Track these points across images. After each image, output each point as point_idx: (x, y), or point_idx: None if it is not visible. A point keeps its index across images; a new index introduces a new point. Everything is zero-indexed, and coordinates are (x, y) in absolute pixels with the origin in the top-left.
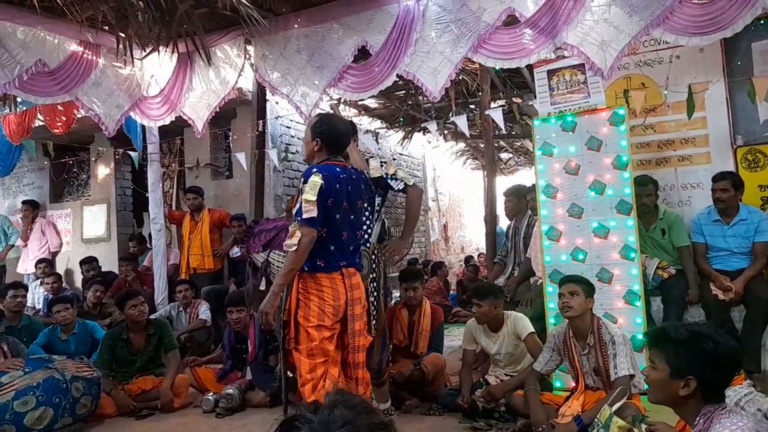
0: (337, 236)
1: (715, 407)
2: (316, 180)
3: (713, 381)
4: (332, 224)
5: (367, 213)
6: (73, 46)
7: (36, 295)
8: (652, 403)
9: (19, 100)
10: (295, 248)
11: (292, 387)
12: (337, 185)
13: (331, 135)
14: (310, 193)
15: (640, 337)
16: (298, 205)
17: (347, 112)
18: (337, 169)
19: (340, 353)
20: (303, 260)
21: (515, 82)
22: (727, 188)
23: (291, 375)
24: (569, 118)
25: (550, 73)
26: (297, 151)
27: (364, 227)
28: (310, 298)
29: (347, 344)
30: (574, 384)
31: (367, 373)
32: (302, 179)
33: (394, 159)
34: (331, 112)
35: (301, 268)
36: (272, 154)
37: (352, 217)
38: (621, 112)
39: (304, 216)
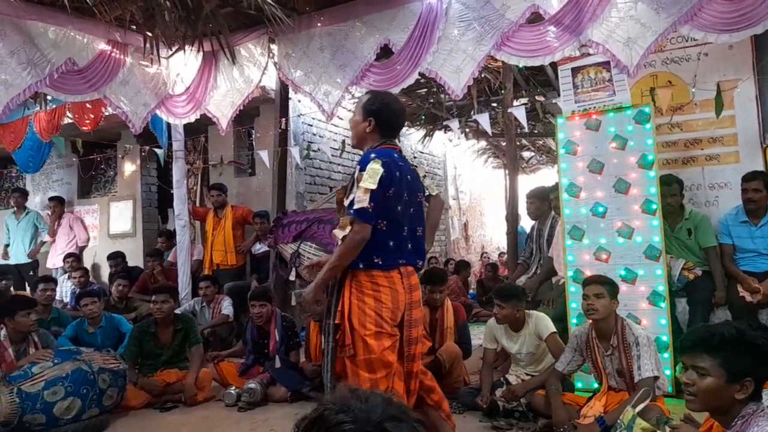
0: (398, 231)
1: (754, 408)
2: (376, 167)
3: (764, 378)
4: (393, 217)
5: None
6: (102, 45)
7: (64, 289)
8: (692, 411)
9: (49, 98)
10: (343, 243)
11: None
12: (398, 173)
13: (385, 114)
14: (369, 182)
15: (664, 338)
16: (352, 196)
17: None
18: (395, 155)
19: (403, 364)
20: (351, 258)
21: (538, 80)
22: (760, 188)
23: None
24: (593, 116)
25: (575, 71)
26: (319, 149)
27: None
28: (365, 301)
29: (402, 353)
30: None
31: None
32: (358, 167)
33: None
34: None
35: (356, 265)
36: (294, 152)
37: (411, 210)
38: (647, 110)
39: (356, 206)
